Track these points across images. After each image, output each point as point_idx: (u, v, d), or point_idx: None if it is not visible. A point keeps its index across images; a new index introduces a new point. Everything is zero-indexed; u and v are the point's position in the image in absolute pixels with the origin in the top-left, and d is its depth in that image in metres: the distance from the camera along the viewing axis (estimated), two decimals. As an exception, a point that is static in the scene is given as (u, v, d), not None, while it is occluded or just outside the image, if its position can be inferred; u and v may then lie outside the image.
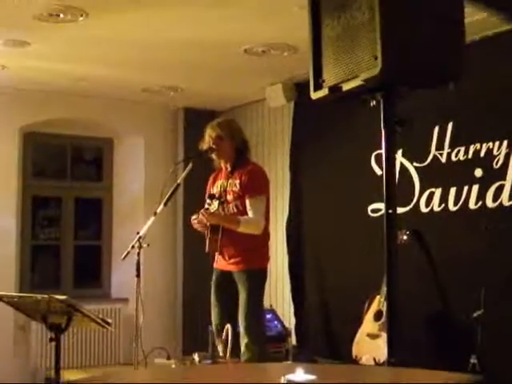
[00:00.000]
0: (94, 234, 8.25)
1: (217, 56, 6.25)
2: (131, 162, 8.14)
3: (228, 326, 4.06)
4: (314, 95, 2.53)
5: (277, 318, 6.54)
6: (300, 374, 1.32)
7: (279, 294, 7.31)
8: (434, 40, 2.27)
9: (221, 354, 4.18)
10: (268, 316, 6.48)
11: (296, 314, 7.02)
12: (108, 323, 3.62)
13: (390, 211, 2.35)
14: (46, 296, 3.45)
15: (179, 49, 6.04)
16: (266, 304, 6.86)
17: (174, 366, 6.36)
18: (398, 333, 2.42)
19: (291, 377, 1.32)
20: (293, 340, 6.61)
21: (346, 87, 2.39)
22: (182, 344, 7.83)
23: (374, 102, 2.44)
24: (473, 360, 5.08)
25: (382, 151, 2.41)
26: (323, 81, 2.49)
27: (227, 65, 6.49)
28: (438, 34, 2.28)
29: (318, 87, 2.51)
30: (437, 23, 2.27)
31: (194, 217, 4.69)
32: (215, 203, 4.64)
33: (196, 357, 3.84)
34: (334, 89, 2.43)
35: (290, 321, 7.01)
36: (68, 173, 8.09)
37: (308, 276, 6.99)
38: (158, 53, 6.17)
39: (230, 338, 3.95)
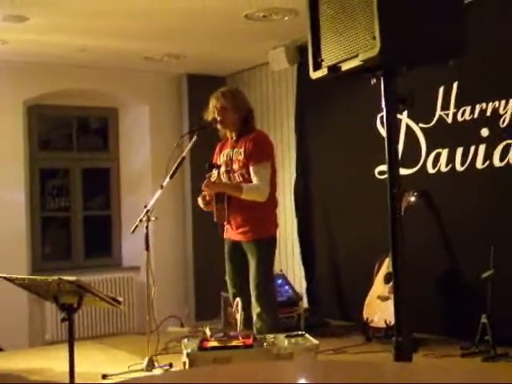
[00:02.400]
0: (103, 204, 8.28)
1: (218, 22, 6.19)
2: (137, 131, 8.12)
3: (238, 299, 4.08)
4: (314, 75, 2.51)
5: (287, 282, 6.58)
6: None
7: (289, 259, 7.35)
8: (434, 18, 2.23)
9: (238, 323, 4.19)
10: (279, 281, 6.52)
11: (307, 277, 7.07)
12: (119, 302, 3.64)
13: (395, 191, 2.34)
14: (56, 278, 3.48)
15: (180, 16, 5.99)
16: (276, 269, 6.92)
17: (187, 333, 6.46)
18: (405, 311, 2.41)
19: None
20: (304, 304, 6.65)
21: (345, 67, 2.36)
22: (195, 311, 7.89)
23: (374, 80, 2.42)
24: (483, 319, 5.11)
25: (385, 131, 2.39)
26: (322, 60, 2.46)
27: (229, 31, 6.43)
28: (437, 12, 2.24)
29: (317, 67, 2.49)
30: (436, 1, 2.23)
31: (199, 198, 4.69)
32: (215, 172, 4.63)
33: (207, 331, 3.86)
34: (333, 68, 2.41)
35: (300, 285, 7.06)
36: (74, 144, 8.08)
37: (317, 239, 7.01)
38: (158, 21, 6.12)
39: (239, 311, 3.98)
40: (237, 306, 4.05)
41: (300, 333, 4.02)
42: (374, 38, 2.18)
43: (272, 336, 3.99)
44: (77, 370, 5.11)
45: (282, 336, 3.97)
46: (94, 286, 7.41)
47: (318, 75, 2.50)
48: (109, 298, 3.65)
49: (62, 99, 7.74)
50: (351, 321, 6.46)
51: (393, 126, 2.35)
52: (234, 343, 3.75)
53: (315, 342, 3.85)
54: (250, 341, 3.76)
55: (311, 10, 2.52)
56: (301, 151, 7.15)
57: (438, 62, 2.36)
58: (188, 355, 3.66)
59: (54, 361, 5.55)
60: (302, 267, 7.12)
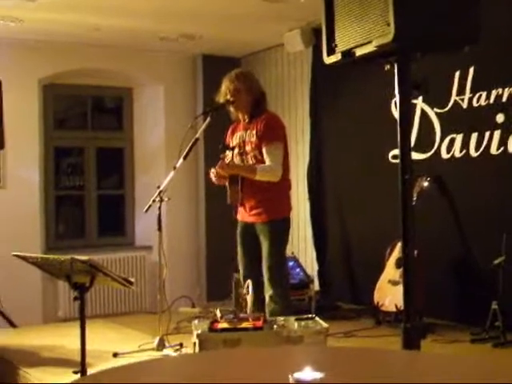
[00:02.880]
0: (117, 184, 8.31)
1: (233, 3, 6.17)
2: (151, 111, 8.13)
3: (249, 281, 4.10)
4: (327, 60, 2.50)
5: (299, 265, 6.60)
6: (307, 371, 1.33)
7: (301, 241, 7.36)
8: (448, 5, 2.22)
9: (248, 305, 4.22)
10: (290, 263, 6.53)
11: (318, 259, 7.08)
12: (130, 282, 3.67)
13: (406, 177, 2.34)
14: (68, 257, 3.50)
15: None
16: (288, 252, 6.93)
17: (198, 313, 6.50)
18: (414, 297, 2.42)
19: (299, 376, 1.33)
20: (315, 286, 6.67)
21: (358, 52, 2.36)
22: (207, 292, 7.93)
23: (388, 66, 2.41)
24: (494, 305, 5.10)
25: (398, 117, 2.38)
26: (336, 45, 2.46)
27: (244, 12, 6.41)
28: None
29: (331, 52, 2.48)
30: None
31: (212, 170, 4.69)
32: (229, 154, 4.64)
33: (218, 312, 3.89)
34: (347, 54, 2.40)
35: (312, 268, 7.07)
36: (89, 123, 8.10)
37: (330, 222, 7.02)
38: (172, 1, 6.10)
39: (250, 293, 3.99)
40: (247, 287, 4.06)
41: (310, 316, 4.04)
42: (389, 24, 2.17)
43: (282, 319, 4.01)
44: (89, 347, 5.17)
45: (292, 319, 3.99)
46: (106, 265, 7.56)
47: (331, 60, 2.49)
48: (121, 279, 3.67)
49: (77, 78, 7.76)
50: (362, 304, 6.48)
51: (406, 112, 2.34)
52: (244, 325, 3.77)
53: (325, 325, 3.87)
54: (259, 323, 3.78)
55: (326, -5, 2.51)
56: (315, 134, 7.14)
57: (453, 49, 2.35)
58: (198, 336, 3.69)
59: (66, 338, 5.60)
60: (313, 250, 7.12)
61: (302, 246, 7.36)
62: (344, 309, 6.60)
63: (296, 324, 3.90)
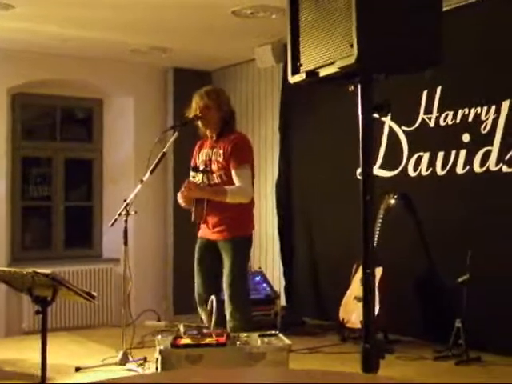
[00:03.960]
0: (85, 195, 8.26)
1: (205, 17, 6.19)
2: (121, 123, 8.10)
3: (213, 297, 4.09)
4: (292, 79, 2.52)
5: (265, 280, 6.59)
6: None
7: (269, 256, 7.36)
8: (411, 27, 2.24)
9: (205, 323, 4.22)
10: (257, 278, 6.54)
11: (285, 275, 7.08)
12: (93, 297, 3.64)
13: (368, 198, 2.36)
14: (30, 270, 3.47)
15: (166, 10, 5.98)
16: (255, 267, 6.93)
17: (163, 327, 6.46)
18: (373, 318, 2.43)
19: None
20: (282, 302, 6.67)
21: (322, 73, 2.37)
22: (173, 305, 7.89)
23: (352, 87, 2.43)
24: (457, 324, 5.14)
25: (360, 139, 2.40)
26: (301, 65, 2.47)
27: (215, 26, 6.43)
28: (415, 21, 2.25)
29: (295, 71, 2.50)
30: (414, 10, 2.24)
31: (179, 195, 4.68)
32: (199, 176, 4.63)
33: (181, 327, 3.87)
34: (311, 74, 2.42)
35: (279, 283, 7.07)
36: (58, 133, 8.05)
37: (297, 238, 7.03)
38: (144, 14, 6.10)
39: (214, 309, 3.98)
40: (211, 303, 4.05)
41: (273, 332, 4.04)
42: (352, 45, 2.18)
43: (246, 335, 4.00)
44: (51, 361, 5.09)
45: (255, 335, 3.98)
46: (73, 277, 7.53)
47: (296, 80, 2.51)
48: (83, 293, 3.64)
49: (46, 88, 7.71)
50: (328, 320, 6.49)
51: (368, 133, 2.36)
52: (207, 341, 3.76)
53: (288, 342, 3.87)
54: (223, 339, 3.77)
55: (292, 14, 2.53)
56: (284, 149, 7.16)
57: (416, 71, 2.37)
58: (161, 352, 3.67)
59: (29, 351, 5.52)
60: (281, 266, 7.13)
61: (269, 261, 7.36)
62: (310, 325, 6.60)
63: (259, 340, 3.89)
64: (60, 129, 8.05)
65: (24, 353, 5.61)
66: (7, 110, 7.42)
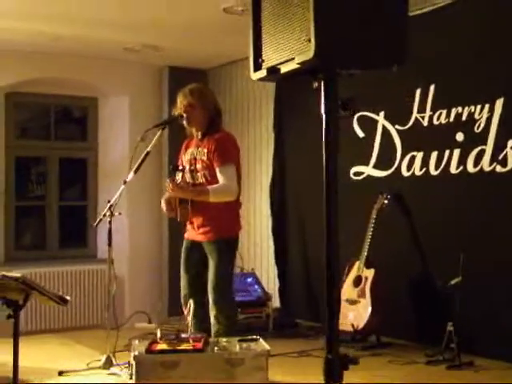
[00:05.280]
0: (80, 195, 8.18)
1: (196, 15, 6.09)
2: (116, 122, 8.00)
3: (191, 301, 3.99)
4: (254, 76, 2.40)
5: (257, 282, 6.49)
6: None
7: (264, 258, 7.25)
8: (374, 21, 2.12)
9: (189, 326, 4.13)
10: (249, 280, 6.44)
11: (280, 276, 6.98)
12: (65, 301, 3.54)
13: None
14: (-1, 274, 3.38)
15: (157, 8, 5.88)
16: (248, 268, 6.83)
17: (154, 329, 6.36)
18: (337, 327, 2.32)
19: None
20: (274, 303, 6.57)
21: (283, 69, 2.26)
22: (168, 307, 7.80)
23: (316, 84, 2.31)
24: (449, 327, 5.02)
25: (323, 138, 2.29)
26: (263, 61, 2.36)
27: (207, 24, 6.32)
28: (377, 15, 2.13)
29: (257, 67, 2.38)
30: (377, 5, 2.13)
31: (162, 201, 4.60)
32: (179, 175, 4.54)
33: (158, 332, 3.77)
34: (273, 70, 2.30)
35: (273, 284, 6.97)
36: (52, 133, 7.96)
37: (291, 239, 6.92)
38: (134, 11, 5.99)
39: (191, 313, 3.88)
40: (189, 309, 3.95)
41: (254, 337, 3.94)
42: (309, 40, 2.07)
43: (225, 340, 3.90)
44: (36, 364, 5.05)
45: (235, 340, 3.88)
46: (67, 277, 7.44)
47: (257, 76, 2.39)
48: (55, 297, 3.55)
49: (41, 87, 7.61)
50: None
51: (331, 132, 2.24)
52: (184, 347, 3.66)
53: (267, 347, 3.76)
54: (199, 344, 3.67)
55: (254, 9, 2.42)
56: (278, 149, 7.05)
57: (379, 67, 2.25)
58: (135, 358, 3.57)
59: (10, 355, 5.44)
60: (274, 267, 7.02)
61: (264, 262, 7.25)
62: (303, 326, 6.49)
63: (238, 346, 3.79)
64: (54, 128, 7.97)
65: (6, 356, 5.50)
66: (0, 109, 7.34)
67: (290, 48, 2.20)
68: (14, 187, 7.63)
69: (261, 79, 2.40)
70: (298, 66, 2.18)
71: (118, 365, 4.95)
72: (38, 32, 6.50)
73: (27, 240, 8.07)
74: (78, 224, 8.11)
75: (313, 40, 2.06)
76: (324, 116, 2.28)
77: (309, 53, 2.08)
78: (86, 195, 8.10)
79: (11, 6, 5.72)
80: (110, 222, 5.04)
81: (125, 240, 7.90)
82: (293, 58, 2.19)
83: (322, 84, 2.27)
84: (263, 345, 3.79)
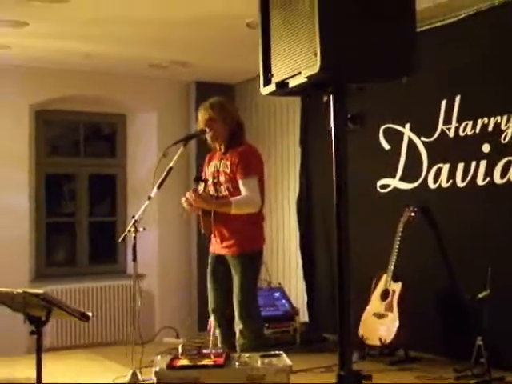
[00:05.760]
0: (109, 211, 8.24)
1: (221, 30, 6.12)
2: (144, 138, 8.06)
3: (211, 317, 3.98)
4: (263, 91, 2.41)
5: (285, 296, 6.46)
6: None
7: (292, 272, 7.22)
8: (381, 34, 2.11)
9: (210, 341, 4.12)
10: (276, 294, 6.42)
11: (307, 291, 6.94)
12: (87, 317, 3.55)
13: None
14: (20, 291, 3.40)
15: (182, 25, 5.93)
16: (275, 282, 6.81)
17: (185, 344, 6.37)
18: (349, 343, 2.29)
19: None
20: (302, 318, 6.53)
21: (291, 84, 2.25)
22: (198, 322, 7.80)
23: (325, 98, 2.31)
24: (478, 341, 4.93)
25: (333, 152, 2.28)
26: (272, 75, 2.36)
27: (232, 39, 6.34)
28: (384, 27, 2.12)
29: (267, 82, 2.39)
30: (384, 17, 2.11)
31: (183, 199, 4.60)
32: (201, 186, 4.54)
33: (180, 348, 3.77)
34: (281, 84, 2.30)
35: (302, 299, 6.93)
36: (81, 150, 8.05)
37: (319, 253, 6.88)
38: (161, 29, 6.05)
39: (212, 329, 3.87)
40: (211, 324, 3.94)
41: (276, 352, 3.90)
42: (316, 54, 2.06)
43: (247, 355, 3.88)
44: (61, 380, 5.07)
45: (257, 355, 3.86)
46: (97, 293, 7.48)
47: (267, 91, 2.39)
48: (77, 313, 3.55)
49: (70, 104, 7.71)
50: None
51: (341, 145, 2.23)
52: (205, 362, 3.65)
53: (289, 363, 3.73)
54: (220, 360, 3.65)
55: (263, 23, 2.43)
56: (304, 164, 7.03)
57: (388, 79, 2.23)
58: (156, 374, 3.57)
59: (44, 370, 5.46)
60: (303, 281, 6.99)
61: (293, 276, 7.22)
62: (331, 341, 6.43)
63: (259, 361, 3.76)
64: (84, 144, 8.05)
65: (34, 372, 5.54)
66: (30, 127, 7.44)
67: (297, 62, 2.20)
68: (44, 204, 7.71)
69: (270, 94, 2.40)
70: (305, 80, 2.17)
71: (143, 381, 4.95)
72: (67, 50, 6.60)
73: (58, 256, 8.14)
74: (108, 240, 8.17)
75: (319, 53, 2.06)
76: (333, 129, 2.26)
77: (315, 67, 2.08)
78: (115, 211, 8.15)
79: (34, 26, 5.81)
80: (134, 238, 5.05)
81: (154, 256, 7.94)
82: (300, 73, 2.18)
83: (331, 98, 2.26)
84: (285, 360, 3.76)
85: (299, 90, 2.34)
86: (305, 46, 2.14)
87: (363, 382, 2.28)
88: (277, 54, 2.33)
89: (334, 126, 2.24)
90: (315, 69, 2.07)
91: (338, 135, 2.24)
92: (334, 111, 2.25)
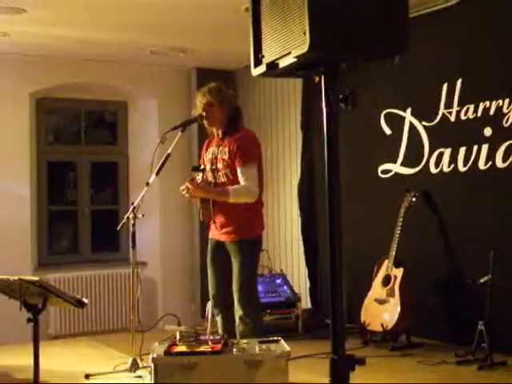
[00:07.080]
0: (111, 199, 8.21)
1: (218, 16, 6.07)
2: (145, 125, 8.03)
3: (209, 303, 3.96)
4: (254, 72, 2.37)
5: (286, 283, 6.43)
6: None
7: (295, 258, 7.19)
8: (371, 12, 2.06)
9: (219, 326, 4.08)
10: (277, 281, 6.40)
11: (310, 277, 6.91)
12: (83, 304, 3.53)
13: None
14: (16, 278, 3.38)
15: (180, 10, 5.88)
16: (277, 269, 6.78)
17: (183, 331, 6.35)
18: (342, 328, 2.26)
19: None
20: (303, 304, 6.50)
21: (281, 64, 2.21)
22: (201, 309, 7.78)
23: (317, 78, 2.27)
24: (480, 326, 4.90)
25: (324, 132, 2.23)
26: (263, 56, 2.32)
27: (230, 24, 6.28)
28: (375, 6, 2.07)
29: (258, 63, 2.34)
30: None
31: (182, 187, 4.57)
32: (200, 175, 4.51)
33: (178, 334, 3.75)
34: (272, 65, 2.26)
35: (304, 285, 6.91)
36: (82, 137, 8.02)
37: (321, 239, 6.84)
38: (159, 14, 6.00)
39: (209, 315, 3.85)
40: (208, 309, 3.92)
41: (275, 338, 3.88)
42: (305, 33, 2.02)
43: (245, 341, 3.86)
44: (63, 368, 5.07)
45: (255, 341, 3.83)
46: (100, 281, 7.48)
47: (257, 72, 2.35)
48: (73, 300, 3.54)
49: (70, 92, 7.68)
50: (352, 323, 6.29)
51: (332, 125, 2.19)
52: (202, 348, 3.63)
53: (287, 348, 3.71)
54: (218, 346, 3.63)
55: (253, 3, 2.38)
56: (306, 147, 6.99)
57: (380, 59, 2.19)
58: (153, 360, 3.55)
59: (46, 358, 5.46)
60: (305, 268, 6.96)
61: (295, 262, 7.19)
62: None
63: (257, 347, 3.74)
64: (85, 132, 8.03)
65: (41, 359, 5.54)
66: (30, 115, 7.40)
67: (287, 42, 2.16)
68: (46, 192, 7.69)
69: (261, 75, 2.36)
70: (295, 60, 2.13)
71: (144, 367, 4.94)
72: (66, 37, 6.55)
73: (60, 245, 8.13)
74: (110, 228, 8.14)
75: (308, 32, 2.02)
76: (324, 109, 2.22)
77: (304, 46, 2.04)
78: (117, 199, 8.13)
79: (32, 12, 5.76)
80: (133, 225, 5.03)
81: (156, 243, 7.92)
82: (290, 53, 2.14)
83: (322, 78, 2.22)
84: (284, 346, 3.73)
85: (291, 71, 2.29)
86: (295, 26, 2.10)
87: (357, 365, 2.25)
88: (268, 34, 2.29)
89: (325, 105, 2.20)
90: (304, 48, 2.03)
91: (328, 114, 2.18)
92: (324, 91, 2.20)
